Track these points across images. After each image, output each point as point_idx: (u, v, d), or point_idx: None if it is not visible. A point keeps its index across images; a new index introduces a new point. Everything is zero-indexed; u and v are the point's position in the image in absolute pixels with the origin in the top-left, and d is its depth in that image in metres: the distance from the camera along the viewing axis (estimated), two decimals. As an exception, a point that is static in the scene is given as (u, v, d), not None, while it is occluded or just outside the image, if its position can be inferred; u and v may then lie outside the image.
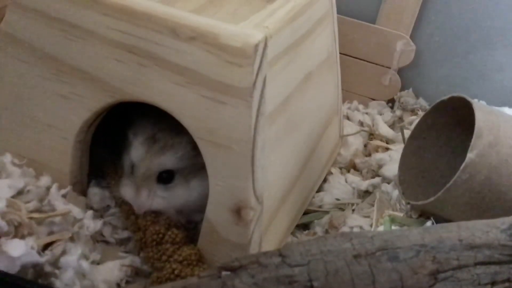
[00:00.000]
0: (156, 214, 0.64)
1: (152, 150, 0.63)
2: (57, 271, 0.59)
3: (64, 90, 0.63)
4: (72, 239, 0.63)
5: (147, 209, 0.63)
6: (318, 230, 0.77)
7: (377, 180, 0.86)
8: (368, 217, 0.79)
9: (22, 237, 0.59)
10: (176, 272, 0.60)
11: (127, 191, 0.64)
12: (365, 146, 0.97)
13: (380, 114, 1.06)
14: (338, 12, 0.85)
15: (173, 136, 0.64)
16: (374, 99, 1.10)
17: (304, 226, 0.79)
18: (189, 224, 0.68)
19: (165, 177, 0.64)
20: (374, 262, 0.45)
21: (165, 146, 0.64)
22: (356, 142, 0.95)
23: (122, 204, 0.67)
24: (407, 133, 0.89)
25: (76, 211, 0.65)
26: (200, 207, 0.64)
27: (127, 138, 0.67)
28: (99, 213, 0.68)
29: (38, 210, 0.64)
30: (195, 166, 0.64)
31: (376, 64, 1.07)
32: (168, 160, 0.63)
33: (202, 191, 0.64)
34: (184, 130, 0.60)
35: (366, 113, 1.06)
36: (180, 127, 0.60)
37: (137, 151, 0.64)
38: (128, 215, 0.65)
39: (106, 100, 0.62)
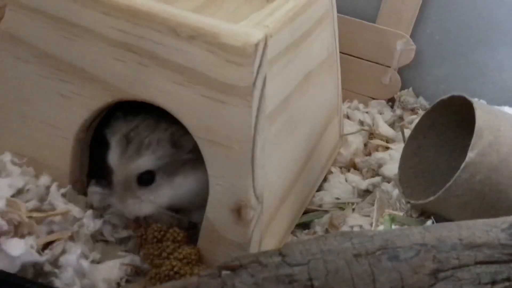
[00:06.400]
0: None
1: (127, 152, 0.60)
2: (57, 271, 0.59)
3: (63, 89, 0.63)
4: (72, 238, 0.63)
5: (138, 216, 0.62)
6: (318, 229, 0.77)
7: (377, 179, 0.86)
8: (368, 216, 0.79)
9: (22, 236, 0.60)
10: (175, 269, 0.60)
11: (113, 200, 0.62)
12: (365, 145, 0.97)
13: (380, 113, 1.06)
14: (338, 11, 0.85)
15: (149, 133, 0.61)
16: (374, 98, 1.10)
17: (304, 226, 0.79)
18: (189, 225, 0.68)
19: (145, 179, 0.61)
20: (374, 262, 0.45)
21: (141, 146, 0.60)
22: (356, 141, 0.95)
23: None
24: (407, 132, 0.89)
25: (76, 210, 0.65)
26: (195, 204, 0.62)
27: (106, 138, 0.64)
28: (99, 212, 0.68)
29: (38, 209, 0.64)
30: (177, 162, 0.61)
31: (376, 63, 1.07)
32: (145, 162, 0.60)
33: (190, 187, 0.62)
34: (163, 125, 0.58)
35: (366, 112, 1.05)
36: (158, 120, 0.58)
37: (112, 154, 0.61)
38: None
39: (106, 99, 0.62)
